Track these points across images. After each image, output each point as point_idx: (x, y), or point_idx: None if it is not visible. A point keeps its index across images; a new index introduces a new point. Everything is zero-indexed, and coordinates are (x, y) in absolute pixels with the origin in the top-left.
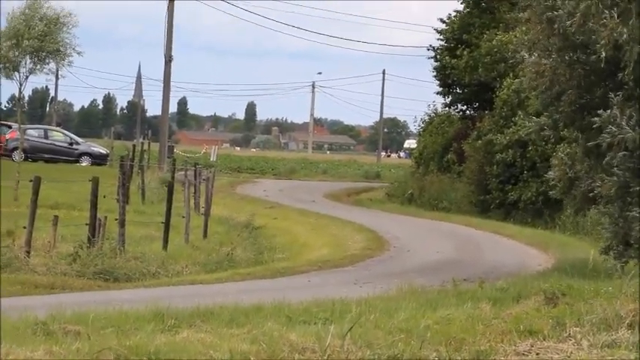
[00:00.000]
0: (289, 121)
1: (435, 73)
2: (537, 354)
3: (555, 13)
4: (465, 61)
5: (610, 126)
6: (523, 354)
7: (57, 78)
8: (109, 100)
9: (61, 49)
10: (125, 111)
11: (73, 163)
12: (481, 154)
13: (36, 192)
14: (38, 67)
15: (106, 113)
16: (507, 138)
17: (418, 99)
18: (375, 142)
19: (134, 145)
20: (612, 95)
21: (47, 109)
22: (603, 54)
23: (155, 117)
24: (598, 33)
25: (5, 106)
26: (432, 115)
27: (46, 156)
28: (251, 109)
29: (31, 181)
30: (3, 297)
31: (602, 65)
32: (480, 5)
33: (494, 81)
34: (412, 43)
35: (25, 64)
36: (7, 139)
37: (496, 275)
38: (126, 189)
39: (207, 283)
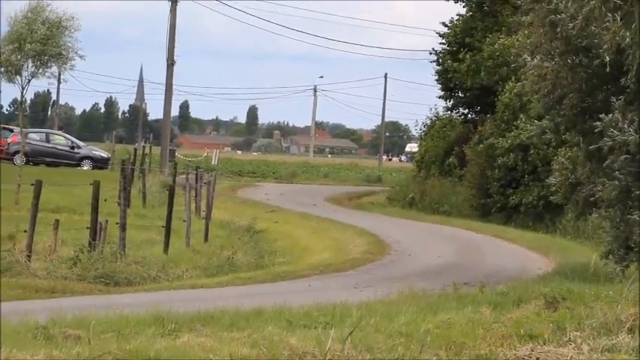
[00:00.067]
0: (291, 124)
1: (437, 77)
2: (537, 358)
3: (558, 16)
4: (467, 64)
5: (612, 129)
6: (523, 358)
7: (59, 82)
8: (110, 103)
9: (64, 52)
10: (127, 115)
11: (74, 167)
12: (482, 158)
13: (37, 196)
14: (40, 70)
15: (108, 117)
16: (509, 142)
17: (420, 102)
18: (376, 146)
19: (135, 149)
20: (614, 99)
21: (49, 112)
22: (607, 58)
23: (157, 120)
24: (600, 37)
25: (7, 110)
26: (434, 118)
27: (48, 160)
28: (253, 112)
29: (32, 184)
30: (4, 301)
31: (604, 69)
32: (483, 9)
33: (496, 85)
34: (411, 46)
35: (27, 67)
36: (8, 143)
37: (497, 279)
38: (127, 193)
39: (207, 287)
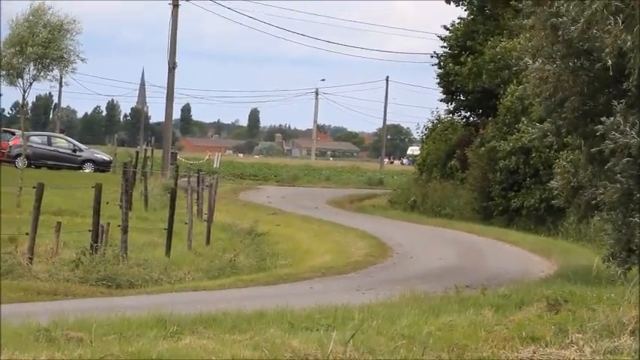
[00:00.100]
0: (292, 127)
1: (438, 80)
2: None
3: (559, 19)
4: (468, 67)
5: (613, 132)
6: None
7: (60, 85)
8: (112, 106)
9: (65, 55)
10: (128, 118)
11: (76, 170)
12: (484, 161)
13: (39, 198)
14: (42, 74)
15: (110, 120)
16: (510, 145)
17: (421, 105)
18: (378, 149)
19: (137, 152)
20: (615, 102)
21: (51, 115)
22: (609, 62)
23: (158, 124)
24: (602, 40)
25: (8, 113)
26: (436, 121)
27: (50, 163)
28: (254, 115)
29: (34, 187)
30: (5, 304)
31: (606, 73)
32: (484, 12)
33: (497, 88)
34: (411, 48)
35: (29, 70)
36: (10, 146)
37: (499, 282)
38: (129, 195)
39: (209, 290)
